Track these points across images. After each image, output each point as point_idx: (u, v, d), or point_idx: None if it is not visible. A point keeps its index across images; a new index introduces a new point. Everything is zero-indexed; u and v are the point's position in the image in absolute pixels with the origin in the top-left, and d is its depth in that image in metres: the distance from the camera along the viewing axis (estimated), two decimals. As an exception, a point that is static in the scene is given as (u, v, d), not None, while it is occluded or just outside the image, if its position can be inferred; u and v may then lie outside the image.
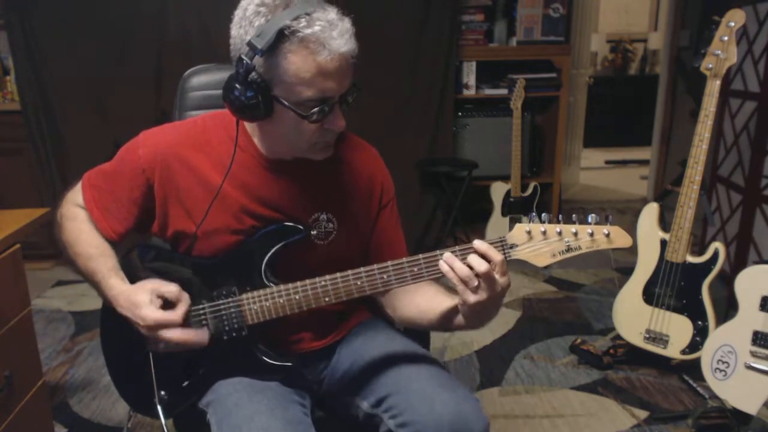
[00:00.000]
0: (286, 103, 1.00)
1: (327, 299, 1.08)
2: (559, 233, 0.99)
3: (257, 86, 0.98)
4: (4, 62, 3.39)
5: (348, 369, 1.23)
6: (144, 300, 1.06)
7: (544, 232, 0.99)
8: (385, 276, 1.04)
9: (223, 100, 1.02)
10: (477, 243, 0.98)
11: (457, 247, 1.00)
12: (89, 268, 1.14)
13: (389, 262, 1.04)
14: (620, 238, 0.97)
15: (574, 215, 1.00)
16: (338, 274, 1.07)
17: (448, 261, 0.98)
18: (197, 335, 1.09)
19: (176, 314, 1.06)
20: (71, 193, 1.21)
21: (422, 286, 1.15)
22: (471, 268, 0.97)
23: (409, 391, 1.12)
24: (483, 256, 0.97)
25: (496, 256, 0.97)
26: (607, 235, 0.97)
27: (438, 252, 1.01)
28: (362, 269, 1.05)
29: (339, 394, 1.23)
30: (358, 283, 1.06)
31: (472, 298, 0.98)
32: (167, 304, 1.08)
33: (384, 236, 1.26)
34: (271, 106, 1.01)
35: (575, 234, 0.98)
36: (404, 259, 1.03)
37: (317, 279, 1.07)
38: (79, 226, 1.17)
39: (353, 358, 1.23)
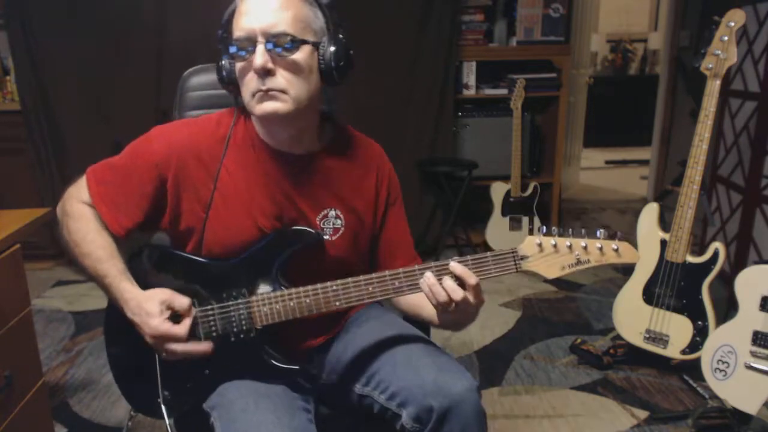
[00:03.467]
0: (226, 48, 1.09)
1: (338, 303, 1.09)
2: (569, 247, 1.02)
3: (225, 50, 1.10)
4: (4, 62, 3.39)
5: (341, 358, 1.24)
6: (154, 310, 1.07)
7: (555, 245, 1.02)
8: (396, 282, 1.06)
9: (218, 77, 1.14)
10: (453, 265, 1.02)
11: (432, 264, 1.04)
12: (99, 270, 1.13)
13: (401, 270, 1.06)
14: (629, 254, 1.01)
15: (583, 229, 1.03)
16: (350, 280, 1.08)
17: (429, 284, 1.02)
18: (200, 347, 1.10)
19: (181, 329, 1.07)
20: (74, 189, 1.19)
21: None
22: (447, 292, 1.01)
23: (395, 362, 1.15)
24: (458, 279, 1.02)
25: (471, 279, 1.02)
26: (616, 250, 1.00)
27: (419, 267, 1.05)
28: (374, 275, 1.07)
29: (336, 384, 1.25)
30: (370, 288, 1.07)
31: (446, 317, 1.05)
32: (176, 314, 1.09)
33: (394, 234, 1.28)
34: (233, 65, 1.09)
35: (585, 248, 1.01)
36: (416, 267, 1.06)
37: (329, 284, 1.08)
38: (86, 225, 1.15)
39: (346, 347, 1.25)
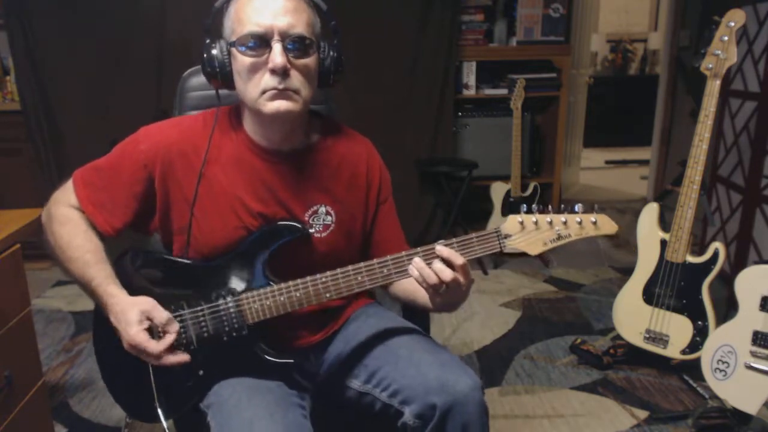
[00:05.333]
0: (229, 39, 1.08)
1: (328, 295, 1.09)
2: (550, 222, 1.05)
3: (216, 40, 1.09)
4: (4, 62, 3.39)
5: (340, 355, 1.25)
6: (133, 319, 1.06)
7: (536, 222, 1.05)
8: (385, 270, 1.07)
9: (202, 69, 1.11)
10: (439, 248, 1.04)
11: (419, 249, 1.05)
12: (86, 274, 1.12)
13: (389, 257, 1.06)
14: (606, 225, 1.05)
15: (562, 206, 1.06)
16: (338, 270, 1.08)
17: (418, 267, 1.03)
18: (175, 360, 1.08)
19: (158, 346, 1.06)
20: (60, 193, 1.18)
21: None
22: (437, 274, 1.02)
23: (396, 359, 1.15)
24: (446, 261, 1.02)
25: (458, 260, 1.03)
26: (594, 223, 1.04)
27: (406, 253, 1.06)
28: (362, 264, 1.07)
29: (334, 381, 1.24)
30: (359, 278, 1.08)
31: (438, 299, 1.06)
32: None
33: (386, 230, 1.28)
34: (228, 58, 1.08)
35: (565, 223, 1.05)
36: (403, 253, 1.06)
37: (318, 276, 1.09)
38: (73, 229, 1.14)
39: (346, 344, 1.25)
